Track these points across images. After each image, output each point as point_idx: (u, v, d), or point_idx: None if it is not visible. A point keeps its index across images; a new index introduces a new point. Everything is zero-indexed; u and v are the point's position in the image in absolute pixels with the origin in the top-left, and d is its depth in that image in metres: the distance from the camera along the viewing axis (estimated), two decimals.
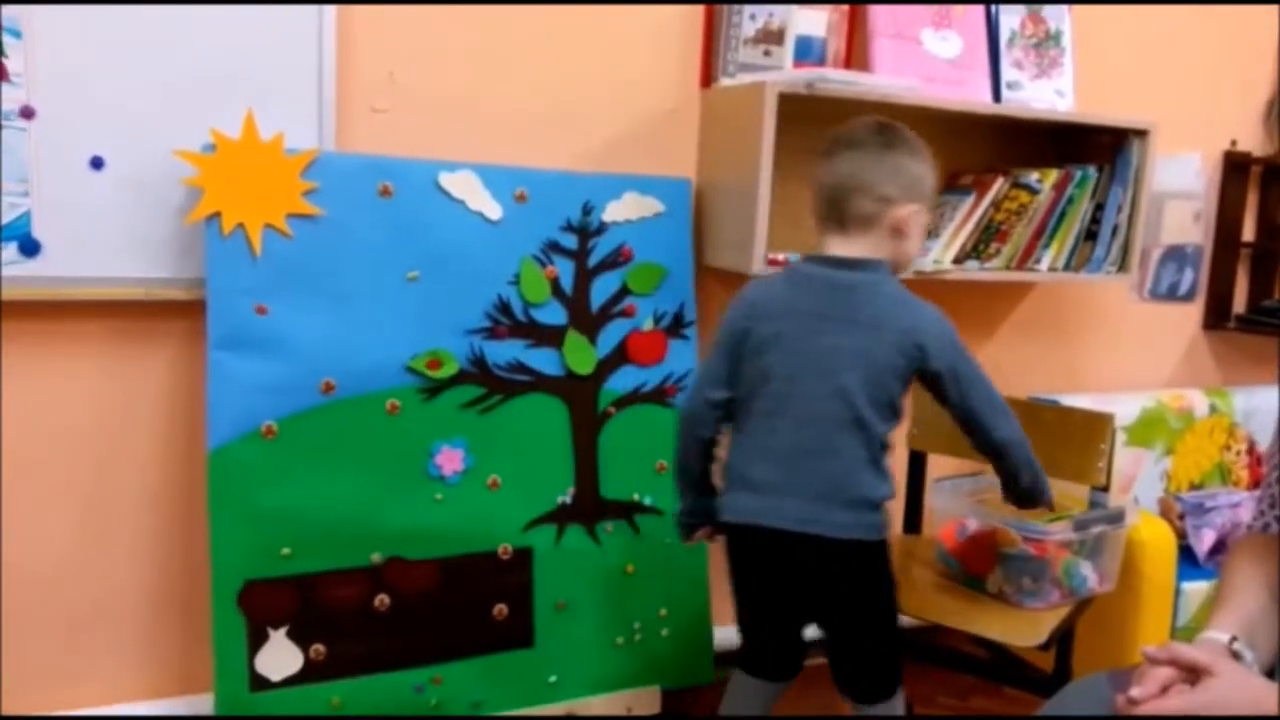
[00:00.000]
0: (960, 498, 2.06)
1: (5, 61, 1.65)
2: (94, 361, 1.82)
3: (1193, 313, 2.85)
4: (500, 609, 1.98)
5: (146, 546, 1.90)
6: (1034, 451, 1.71)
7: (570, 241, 2.01)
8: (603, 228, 2.03)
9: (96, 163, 1.73)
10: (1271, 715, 1.06)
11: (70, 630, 1.87)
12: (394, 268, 1.87)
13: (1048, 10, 2.35)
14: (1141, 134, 2.29)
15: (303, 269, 1.80)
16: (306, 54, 1.83)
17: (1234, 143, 2.77)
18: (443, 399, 1.91)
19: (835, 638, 1.68)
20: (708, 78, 2.15)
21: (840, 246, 1.64)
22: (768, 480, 1.59)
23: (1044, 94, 2.34)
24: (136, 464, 1.87)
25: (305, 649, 1.84)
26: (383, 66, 1.92)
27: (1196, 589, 2.33)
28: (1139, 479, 2.55)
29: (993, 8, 2.29)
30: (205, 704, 1.88)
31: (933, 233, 2.20)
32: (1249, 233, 2.84)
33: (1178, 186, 2.70)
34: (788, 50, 2.12)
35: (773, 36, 2.11)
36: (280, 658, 1.82)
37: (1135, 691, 1.09)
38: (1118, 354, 2.75)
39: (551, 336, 2.00)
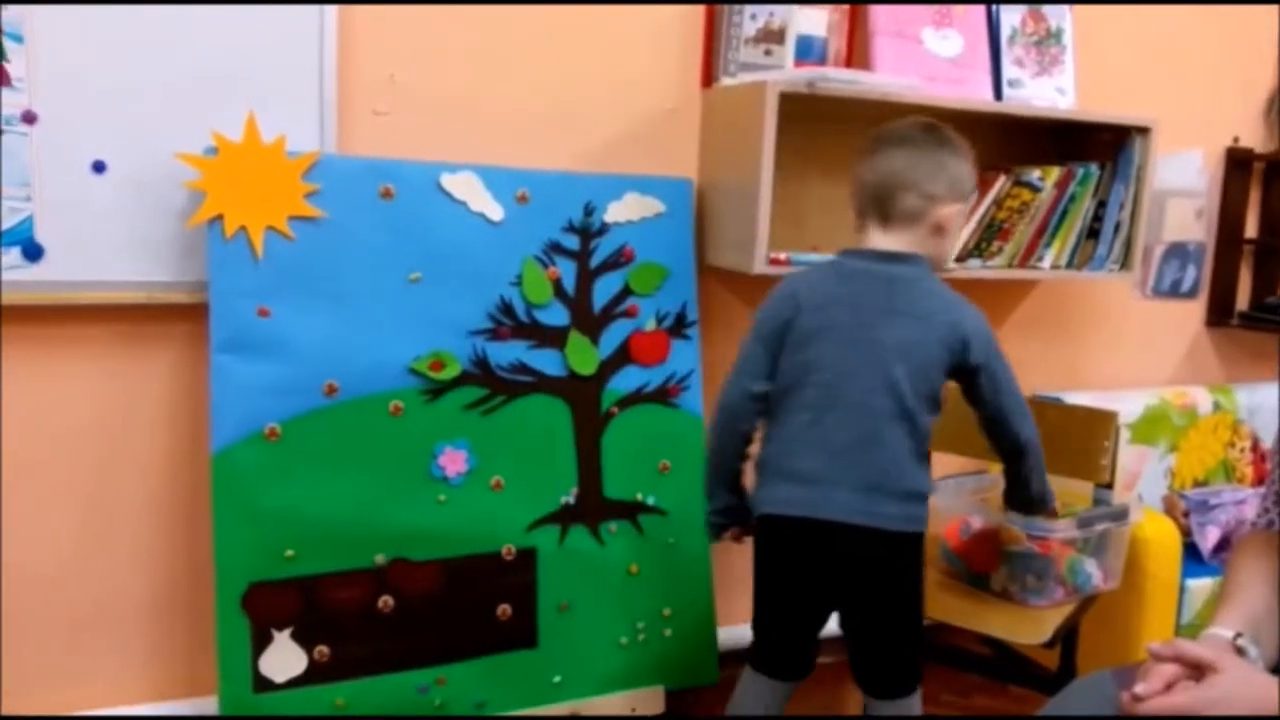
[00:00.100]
0: (963, 496, 2.06)
1: (7, 66, 1.65)
2: (97, 365, 1.83)
3: (1195, 310, 2.85)
4: (504, 609, 1.98)
5: (150, 548, 1.90)
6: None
7: (572, 242, 2.01)
8: (604, 228, 2.03)
9: (98, 166, 1.73)
10: (1276, 712, 1.05)
11: (72, 631, 1.88)
12: (396, 269, 1.87)
13: (1048, 8, 2.35)
14: (1143, 131, 2.29)
15: (305, 271, 1.81)
16: (307, 55, 1.83)
17: (1236, 139, 2.77)
18: (445, 400, 1.91)
19: (866, 631, 1.66)
20: (708, 77, 2.15)
21: (881, 241, 1.65)
22: (817, 472, 1.59)
23: (1045, 92, 2.34)
24: (139, 466, 1.88)
25: (309, 650, 1.84)
26: (384, 68, 1.92)
27: (1201, 586, 2.33)
28: (1143, 476, 2.55)
29: (993, 6, 2.29)
30: (209, 706, 1.88)
31: None
32: (1251, 229, 2.84)
33: (1180, 184, 2.70)
34: (788, 49, 2.12)
35: (773, 36, 2.11)
36: (284, 659, 1.83)
37: (1140, 688, 1.09)
38: (1121, 352, 2.75)
39: (554, 337, 2.00)
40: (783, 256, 1.99)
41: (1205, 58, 2.68)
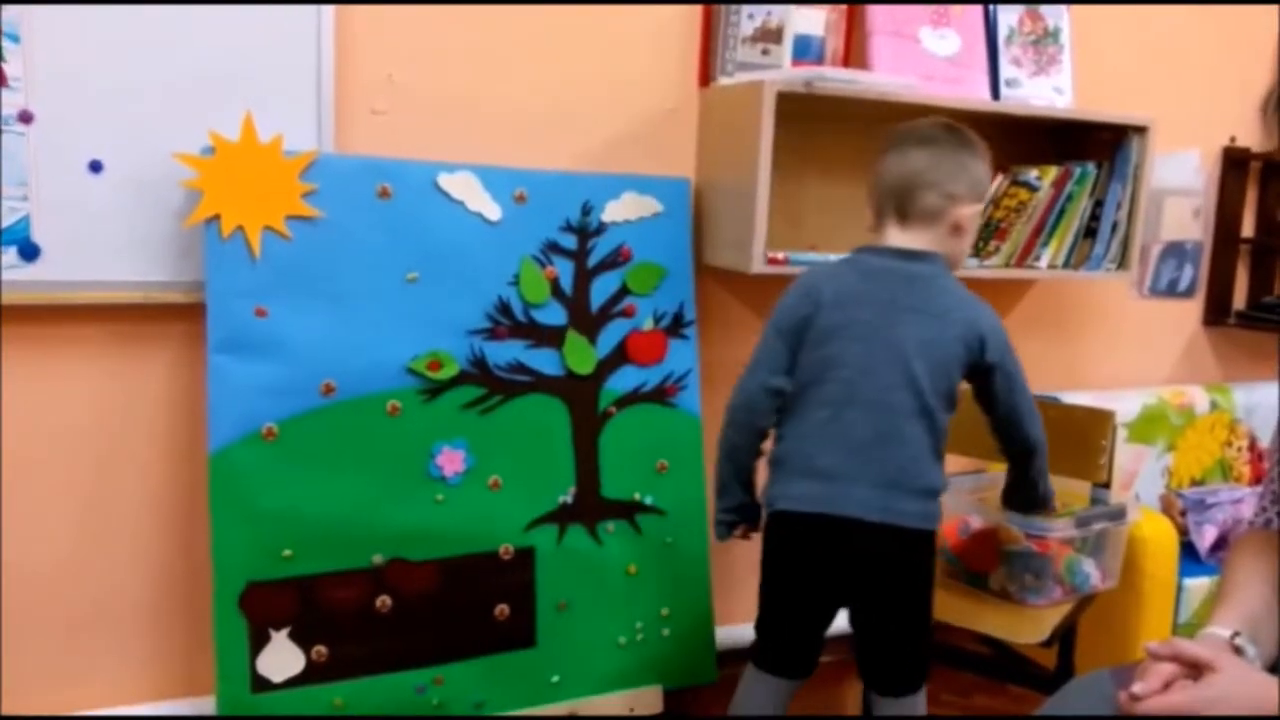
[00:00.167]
0: (962, 495, 2.06)
1: (4, 66, 1.65)
2: (94, 365, 1.82)
3: (1193, 309, 2.85)
4: (502, 609, 1.98)
5: (148, 548, 1.90)
6: None
7: (570, 242, 2.01)
8: (602, 228, 2.03)
9: (95, 166, 1.73)
10: (1274, 711, 1.06)
11: (71, 631, 1.87)
12: (393, 269, 1.87)
13: (1046, 7, 2.35)
14: (1140, 130, 2.29)
15: (302, 271, 1.80)
16: (305, 55, 1.83)
17: (1233, 139, 2.77)
18: (443, 400, 1.91)
19: (877, 628, 1.66)
20: (706, 77, 2.15)
21: (899, 239, 1.66)
22: (836, 468, 1.59)
23: (1043, 91, 2.34)
24: (137, 466, 1.87)
25: (307, 650, 1.84)
26: (382, 67, 1.92)
27: (1198, 585, 2.33)
28: (1140, 476, 2.55)
29: (991, 6, 2.29)
30: (207, 705, 1.88)
31: None
32: (1248, 229, 2.84)
33: (1177, 183, 2.70)
34: (786, 49, 2.12)
35: (771, 35, 2.11)
36: (282, 659, 1.82)
37: (1138, 688, 1.09)
38: (1118, 351, 2.75)
39: (551, 337, 2.00)
40: (780, 256, 2.00)
41: (1202, 57, 2.68)
